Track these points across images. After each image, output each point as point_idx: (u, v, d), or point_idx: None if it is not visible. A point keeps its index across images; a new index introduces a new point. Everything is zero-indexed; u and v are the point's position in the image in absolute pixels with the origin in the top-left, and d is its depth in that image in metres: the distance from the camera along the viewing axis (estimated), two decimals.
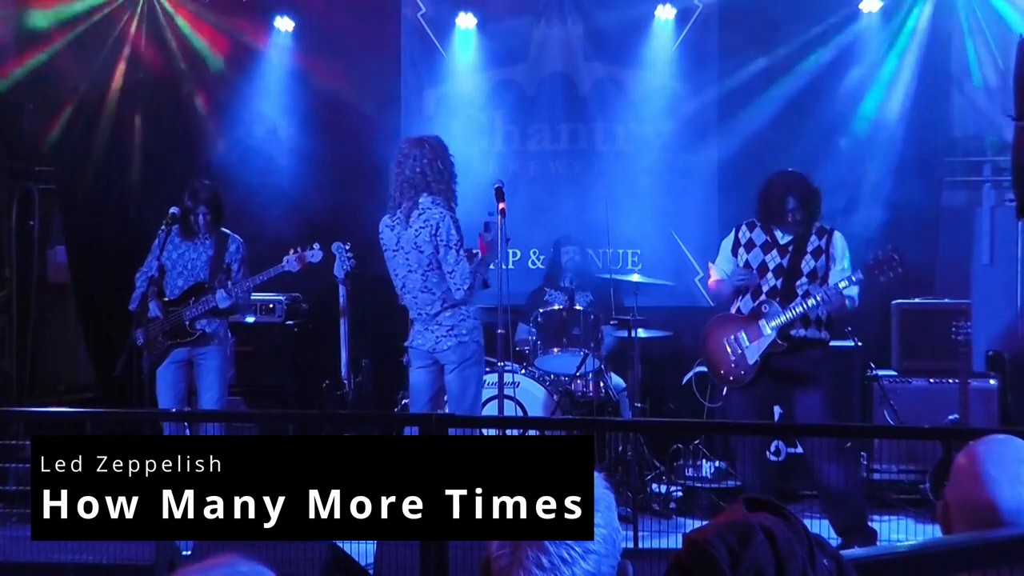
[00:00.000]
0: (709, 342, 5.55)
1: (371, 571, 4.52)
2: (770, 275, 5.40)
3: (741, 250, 5.51)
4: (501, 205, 5.42)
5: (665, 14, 8.02)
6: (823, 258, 5.37)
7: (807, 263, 5.37)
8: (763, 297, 5.37)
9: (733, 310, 5.50)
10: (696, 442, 6.45)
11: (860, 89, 7.71)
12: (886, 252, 5.17)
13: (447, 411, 5.41)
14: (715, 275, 5.64)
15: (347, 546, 4.45)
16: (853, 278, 5.20)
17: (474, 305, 5.46)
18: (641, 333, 6.49)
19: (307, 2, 8.21)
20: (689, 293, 7.96)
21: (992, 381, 6.47)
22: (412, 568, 4.10)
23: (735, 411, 5.56)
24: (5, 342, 7.60)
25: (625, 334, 6.42)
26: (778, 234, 5.44)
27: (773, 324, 5.27)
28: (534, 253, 8.15)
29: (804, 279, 5.34)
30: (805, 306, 5.23)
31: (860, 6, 7.75)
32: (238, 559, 1.47)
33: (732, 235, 5.60)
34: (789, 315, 5.26)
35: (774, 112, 7.76)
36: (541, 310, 6.76)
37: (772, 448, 6.36)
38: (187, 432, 6.24)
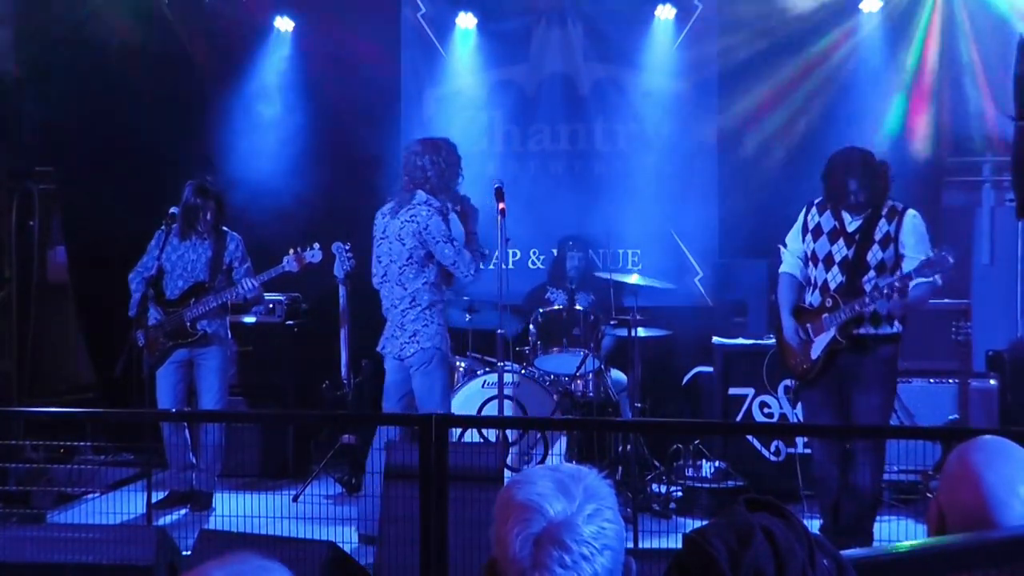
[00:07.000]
0: (781, 332, 5.43)
1: (371, 571, 4.52)
2: (836, 269, 5.16)
3: (808, 236, 5.27)
4: (501, 205, 5.44)
5: (665, 14, 8.03)
6: (892, 247, 5.09)
7: (874, 255, 5.10)
8: (830, 294, 5.15)
9: (806, 303, 5.31)
10: (696, 442, 6.45)
11: (860, 88, 7.71)
12: (937, 253, 4.87)
13: (417, 411, 5.42)
14: (785, 265, 5.40)
15: (347, 546, 4.45)
16: (913, 275, 4.85)
17: (437, 307, 5.46)
18: (641, 333, 6.49)
19: (307, 2, 8.21)
20: (689, 293, 7.96)
21: (992, 381, 6.47)
22: (412, 568, 4.10)
23: (809, 407, 5.45)
24: (5, 342, 7.59)
25: (625, 334, 6.42)
26: (846, 218, 5.17)
27: (834, 323, 5.11)
28: (534, 253, 8.15)
29: (871, 272, 5.10)
30: (862, 306, 5.00)
31: (860, 6, 7.76)
32: (252, 556, 1.48)
33: (803, 215, 5.32)
34: (847, 314, 5.05)
35: (774, 112, 7.76)
36: (541, 310, 6.76)
37: (772, 448, 6.36)
38: (187, 433, 6.24)
